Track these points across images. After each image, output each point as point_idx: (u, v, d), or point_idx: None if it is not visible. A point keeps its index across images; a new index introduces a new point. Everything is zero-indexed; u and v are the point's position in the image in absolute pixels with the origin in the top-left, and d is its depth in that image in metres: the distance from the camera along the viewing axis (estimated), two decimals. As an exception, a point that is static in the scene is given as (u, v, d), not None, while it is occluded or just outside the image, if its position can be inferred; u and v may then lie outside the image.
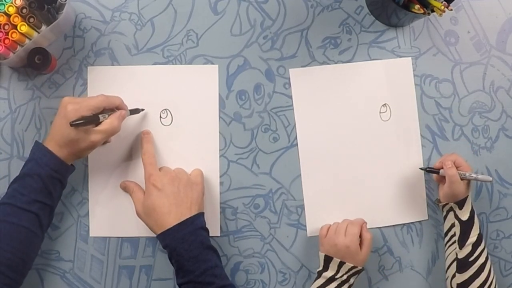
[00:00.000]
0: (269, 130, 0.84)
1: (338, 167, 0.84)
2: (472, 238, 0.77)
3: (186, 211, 0.72)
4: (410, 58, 0.87)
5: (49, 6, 0.74)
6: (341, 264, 0.76)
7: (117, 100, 0.75)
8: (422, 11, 0.78)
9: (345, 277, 0.76)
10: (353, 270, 0.76)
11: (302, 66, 0.85)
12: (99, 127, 0.72)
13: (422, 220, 0.85)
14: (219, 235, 0.82)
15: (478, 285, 0.75)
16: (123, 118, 0.75)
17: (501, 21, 0.89)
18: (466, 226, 0.77)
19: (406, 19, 0.84)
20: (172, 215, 0.71)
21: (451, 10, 0.77)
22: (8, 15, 0.73)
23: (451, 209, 0.79)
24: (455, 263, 0.78)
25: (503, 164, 0.87)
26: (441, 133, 0.86)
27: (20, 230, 0.68)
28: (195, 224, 0.72)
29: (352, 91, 0.85)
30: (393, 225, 0.85)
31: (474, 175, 0.78)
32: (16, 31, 0.73)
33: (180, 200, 0.73)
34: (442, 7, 0.76)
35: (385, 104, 0.85)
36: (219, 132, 0.83)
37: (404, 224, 0.85)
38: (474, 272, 0.76)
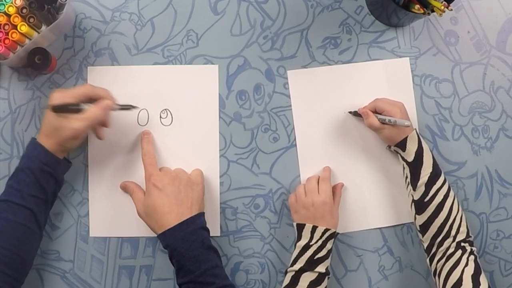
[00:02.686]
0: (269, 130, 0.84)
1: (337, 168, 0.84)
2: (423, 178, 0.76)
3: (186, 211, 0.73)
4: (408, 58, 0.87)
5: (49, 6, 0.74)
6: (313, 229, 0.76)
7: (102, 91, 0.74)
8: (422, 11, 0.78)
9: (320, 242, 0.75)
10: (327, 233, 0.76)
11: (302, 66, 0.85)
12: (81, 114, 0.71)
13: (422, 220, 0.85)
14: (219, 235, 0.82)
15: (439, 224, 0.74)
16: (108, 109, 0.73)
17: (501, 21, 0.89)
18: (414, 167, 0.77)
19: (406, 19, 0.84)
20: (173, 215, 0.71)
21: (451, 10, 0.77)
22: (8, 15, 0.73)
23: (396, 153, 0.80)
24: (413, 205, 0.77)
25: (503, 164, 0.87)
26: (441, 133, 0.86)
27: (17, 227, 0.69)
28: (195, 224, 0.72)
29: (350, 91, 0.85)
30: (393, 225, 0.85)
31: (392, 120, 0.77)
32: (16, 31, 0.73)
33: (180, 200, 0.73)
34: (442, 7, 0.76)
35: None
36: (219, 132, 0.83)
37: (404, 224, 0.85)
38: (432, 212, 0.75)
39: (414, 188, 0.77)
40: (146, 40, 0.84)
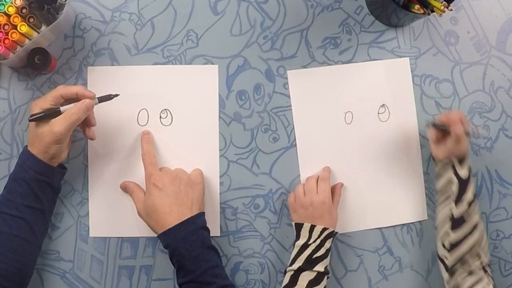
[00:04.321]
0: (269, 130, 0.84)
1: (336, 168, 0.84)
2: (469, 195, 0.76)
3: (187, 210, 0.72)
4: (408, 58, 0.87)
5: (49, 6, 0.74)
6: (311, 229, 0.76)
7: (75, 88, 0.72)
8: (422, 11, 0.78)
9: (318, 241, 0.75)
10: (326, 233, 0.76)
11: (302, 67, 0.85)
12: (59, 117, 0.70)
13: (422, 220, 0.85)
14: (219, 235, 0.82)
15: (471, 243, 0.74)
16: (88, 108, 0.71)
17: (501, 21, 0.89)
18: (464, 184, 0.77)
19: (406, 19, 0.84)
20: (173, 215, 0.71)
21: (451, 10, 0.77)
22: (8, 15, 0.73)
23: (450, 166, 0.78)
24: (449, 221, 0.77)
25: (503, 164, 0.87)
26: (441, 133, 0.86)
27: (11, 239, 0.68)
28: (196, 224, 0.72)
29: (350, 92, 0.85)
30: (393, 225, 0.85)
31: (475, 130, 0.77)
32: (16, 31, 0.73)
33: (181, 199, 0.73)
34: (442, 7, 0.76)
35: (383, 105, 0.85)
36: (219, 132, 0.83)
37: (404, 224, 0.85)
38: (468, 230, 0.75)
39: (457, 205, 0.76)
40: (146, 40, 0.84)
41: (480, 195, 0.86)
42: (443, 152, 0.79)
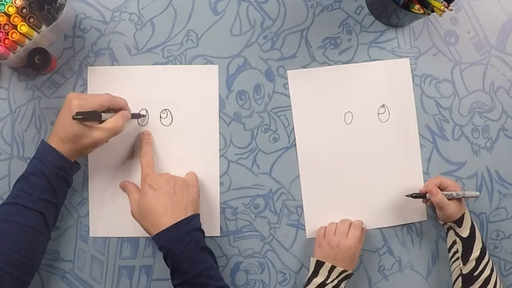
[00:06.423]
0: (269, 130, 0.84)
1: (337, 168, 0.84)
2: (475, 253, 0.77)
3: (181, 211, 0.72)
4: (408, 58, 0.87)
5: (49, 6, 0.74)
6: (332, 269, 0.76)
7: (121, 101, 0.75)
8: (422, 11, 0.78)
9: (335, 282, 0.76)
10: (344, 274, 0.76)
11: (302, 67, 0.85)
12: (104, 125, 0.72)
13: (422, 221, 0.85)
14: (219, 235, 0.82)
15: None
16: (126, 119, 0.75)
17: (501, 21, 0.89)
18: (468, 242, 0.78)
19: (406, 19, 0.84)
20: (168, 216, 0.71)
21: (451, 10, 0.77)
22: (8, 15, 0.73)
23: (450, 227, 0.80)
24: (460, 278, 0.78)
25: (503, 164, 0.87)
26: (441, 133, 0.86)
27: (27, 230, 0.68)
28: (190, 225, 0.72)
29: (350, 92, 0.85)
30: (393, 225, 0.85)
31: (460, 193, 0.78)
32: (16, 31, 0.73)
33: (175, 200, 0.73)
34: (442, 7, 0.76)
35: (383, 105, 0.85)
36: (219, 132, 0.83)
37: (404, 224, 0.85)
38: (480, 286, 0.76)
39: (465, 263, 0.77)
40: (146, 40, 0.84)
41: (480, 195, 0.86)
42: (439, 217, 0.81)
